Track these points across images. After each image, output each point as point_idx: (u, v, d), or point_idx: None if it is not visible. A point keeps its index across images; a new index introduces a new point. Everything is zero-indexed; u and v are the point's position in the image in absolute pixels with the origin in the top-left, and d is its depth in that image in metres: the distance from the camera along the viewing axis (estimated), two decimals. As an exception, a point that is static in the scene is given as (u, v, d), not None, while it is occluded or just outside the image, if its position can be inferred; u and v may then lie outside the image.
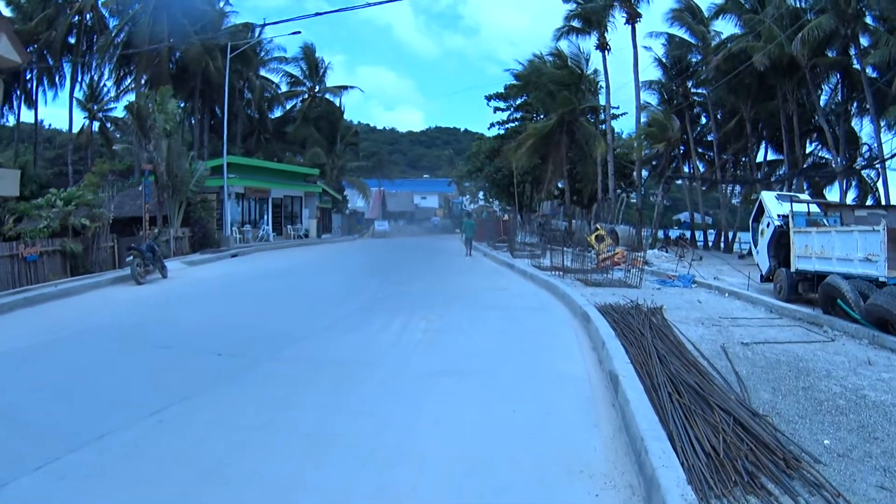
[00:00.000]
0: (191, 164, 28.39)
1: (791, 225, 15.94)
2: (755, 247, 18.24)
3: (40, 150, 51.96)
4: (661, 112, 34.21)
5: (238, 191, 32.63)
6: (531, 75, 35.62)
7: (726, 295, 14.29)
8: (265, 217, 35.66)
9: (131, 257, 15.96)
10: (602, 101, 37.43)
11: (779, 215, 16.91)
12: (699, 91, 41.95)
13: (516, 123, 44.51)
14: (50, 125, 69.14)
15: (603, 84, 36.80)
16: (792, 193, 20.02)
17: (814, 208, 16.83)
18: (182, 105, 43.64)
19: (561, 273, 16.34)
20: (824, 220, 16.31)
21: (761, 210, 18.03)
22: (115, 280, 15.77)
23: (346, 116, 52.89)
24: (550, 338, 8.78)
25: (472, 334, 8.83)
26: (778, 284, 16.38)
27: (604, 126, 36.84)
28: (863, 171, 34.38)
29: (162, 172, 25.80)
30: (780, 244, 16.71)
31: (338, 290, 14.26)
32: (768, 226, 17.18)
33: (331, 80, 50.24)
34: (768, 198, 17.89)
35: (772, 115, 35.31)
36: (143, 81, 38.48)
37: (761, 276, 17.61)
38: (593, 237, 21.40)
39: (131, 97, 37.83)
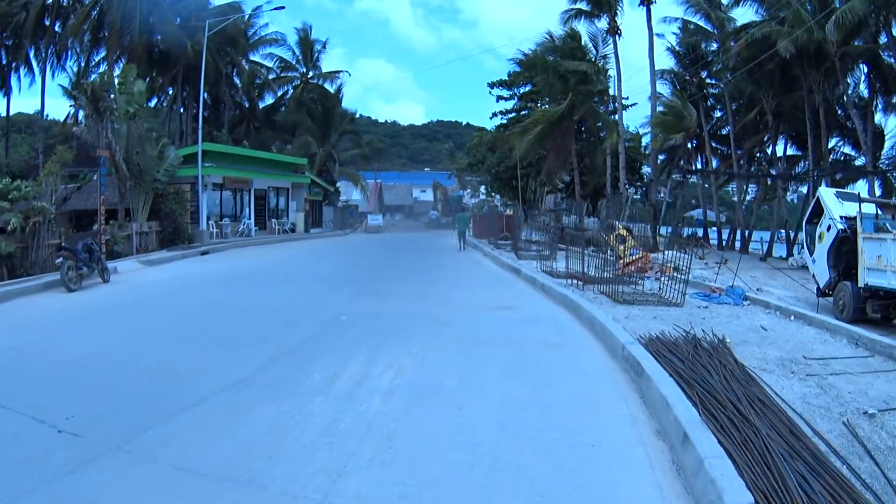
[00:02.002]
0: (159, 152, 25.14)
1: (859, 230, 12.82)
2: (810, 254, 15.07)
3: (36, 142, 48.76)
4: (678, 100, 30.74)
5: (216, 181, 29.25)
6: (537, 59, 31.98)
7: (791, 318, 10.97)
8: (246, 210, 32.26)
9: (61, 259, 13.03)
10: (611, 90, 34.21)
11: (841, 217, 13.76)
12: (713, 82, 39.01)
13: (518, 113, 41.21)
14: (48, 115, 66.13)
15: (612, 71, 33.44)
16: (852, 191, 16.86)
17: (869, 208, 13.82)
18: (170, 91, 40.60)
19: (580, 283, 13.04)
20: (887, 224, 13.25)
21: (818, 210, 14.81)
22: (46, 286, 12.86)
23: (346, 107, 49.47)
24: (589, 413, 5.41)
25: (462, 405, 5.43)
26: (840, 301, 13.22)
27: (615, 116, 33.51)
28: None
29: (121, 160, 22.55)
30: (842, 252, 13.61)
31: (294, 305, 11.00)
32: (829, 229, 13.99)
33: (327, 68, 47.09)
34: (828, 196, 14.66)
35: (794, 108, 32.06)
36: (118, 66, 35.25)
37: (818, 289, 14.45)
38: (613, 237, 18.09)
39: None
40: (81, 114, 39.96)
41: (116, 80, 24.62)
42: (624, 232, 17.52)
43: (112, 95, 23.64)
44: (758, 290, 14.80)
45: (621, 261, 16.55)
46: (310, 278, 15.11)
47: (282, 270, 17.07)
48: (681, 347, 7.59)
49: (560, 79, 29.63)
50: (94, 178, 22.67)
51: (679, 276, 15.79)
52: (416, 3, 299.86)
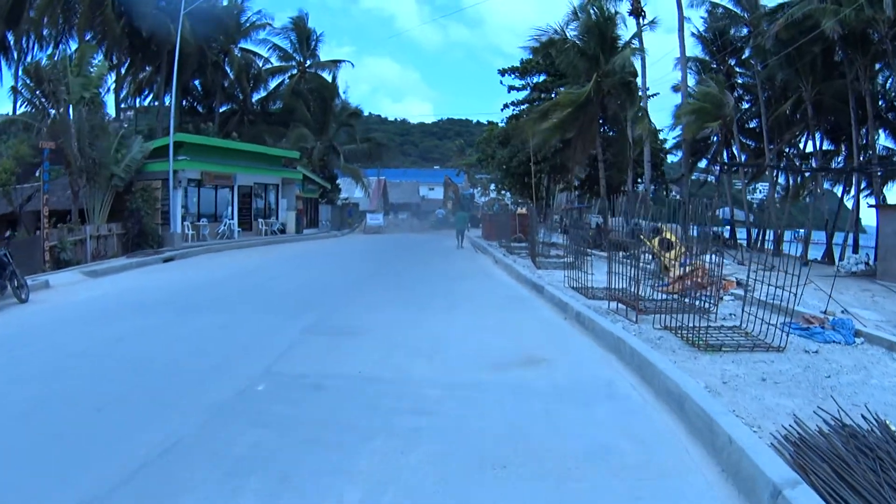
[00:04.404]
0: (119, 143, 21.57)
1: None
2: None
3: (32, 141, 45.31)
4: (714, 85, 26.76)
5: (192, 176, 25.47)
6: (554, 43, 27.65)
7: (934, 368, 7.09)
8: (229, 209, 28.41)
9: (-39, 278, 9.91)
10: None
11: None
12: (741, 70, 35.09)
13: (531, 104, 37.19)
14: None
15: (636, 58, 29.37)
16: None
17: None
18: (159, 81, 36.96)
19: (633, 311, 9.09)
20: None
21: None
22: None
23: (348, 100, 45.44)
24: None
25: None
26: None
27: (640, 104, 29.54)
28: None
29: (74, 153, 19.03)
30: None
31: (210, 350, 7.27)
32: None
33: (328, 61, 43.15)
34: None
35: (834, 98, 28.02)
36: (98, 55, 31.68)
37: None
38: (656, 242, 14.17)
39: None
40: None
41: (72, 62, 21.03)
42: (671, 236, 13.57)
43: (65, 79, 20.18)
44: (843, 312, 10.93)
45: (669, 273, 12.74)
46: (262, 300, 11.29)
47: (236, 286, 13.37)
48: (853, 466, 3.92)
49: (584, 58, 25.35)
50: (37, 173, 19.11)
51: (739, 292, 11.98)
52: (421, 1, 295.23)
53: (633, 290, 9.31)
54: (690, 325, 7.87)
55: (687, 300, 9.67)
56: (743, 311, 8.59)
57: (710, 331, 7.93)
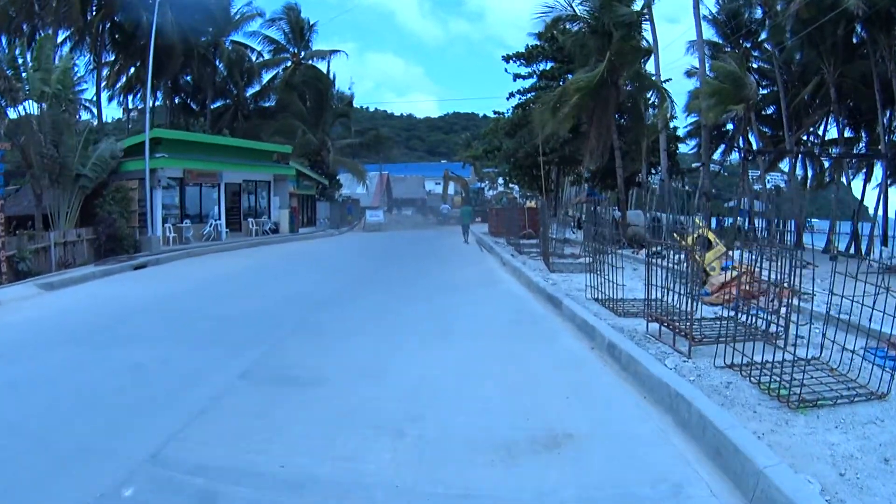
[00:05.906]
0: (85, 141, 19.63)
1: None
2: None
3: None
4: (734, 64, 24.43)
5: (174, 175, 23.39)
6: (557, 22, 25.11)
7: None
8: (215, 209, 26.20)
9: None
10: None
11: None
12: (757, 54, 32.87)
13: (537, 92, 34.95)
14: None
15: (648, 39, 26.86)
16: None
17: None
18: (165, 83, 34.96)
19: (675, 334, 6.90)
20: None
21: None
22: None
23: (359, 104, 43.42)
24: None
25: None
26: None
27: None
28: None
29: (34, 152, 17.17)
30: None
31: (102, 415, 5.09)
32: None
33: (336, 65, 41.00)
34: None
35: (857, 80, 25.70)
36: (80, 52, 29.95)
37: None
38: (690, 241, 11.87)
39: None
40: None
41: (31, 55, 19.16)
42: (711, 235, 11.32)
43: (27, 71, 18.29)
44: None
45: (709, 278, 10.57)
46: (209, 324, 8.95)
47: (189, 303, 11.21)
48: None
49: (595, 35, 22.73)
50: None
51: (806, 301, 9.82)
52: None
53: (681, 306, 7.04)
54: (762, 358, 5.68)
55: (744, 318, 7.51)
56: (823, 336, 6.37)
57: (785, 367, 5.70)
